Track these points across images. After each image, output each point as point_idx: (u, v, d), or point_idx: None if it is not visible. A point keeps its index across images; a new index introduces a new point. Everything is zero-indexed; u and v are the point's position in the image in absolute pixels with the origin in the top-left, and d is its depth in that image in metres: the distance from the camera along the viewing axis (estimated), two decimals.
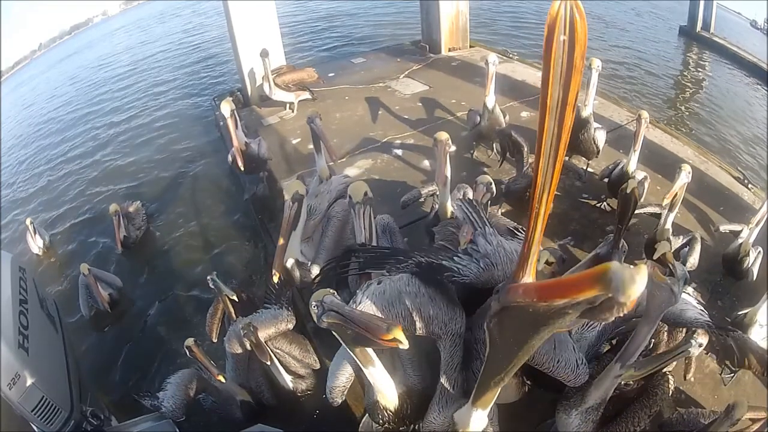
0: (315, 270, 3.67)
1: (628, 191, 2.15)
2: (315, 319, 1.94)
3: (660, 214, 4.16)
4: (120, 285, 5.17)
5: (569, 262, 4.45)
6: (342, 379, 2.73)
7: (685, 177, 3.81)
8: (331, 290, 2.09)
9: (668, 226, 3.96)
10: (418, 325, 2.35)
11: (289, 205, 3.36)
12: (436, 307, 2.37)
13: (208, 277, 3.90)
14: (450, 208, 3.88)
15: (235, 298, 3.91)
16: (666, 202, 3.92)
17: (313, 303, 1.96)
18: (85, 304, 4.92)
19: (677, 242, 4.02)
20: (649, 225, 4.49)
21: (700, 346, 2.57)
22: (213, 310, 4.09)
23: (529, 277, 1.52)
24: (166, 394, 3.37)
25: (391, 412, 2.45)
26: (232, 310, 3.94)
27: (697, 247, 4.03)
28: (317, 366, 3.59)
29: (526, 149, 4.95)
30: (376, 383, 2.34)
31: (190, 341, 3.23)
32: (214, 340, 4.09)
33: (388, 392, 2.39)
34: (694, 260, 4.04)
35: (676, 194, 3.84)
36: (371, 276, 2.78)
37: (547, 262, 2.76)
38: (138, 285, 5.53)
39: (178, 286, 5.40)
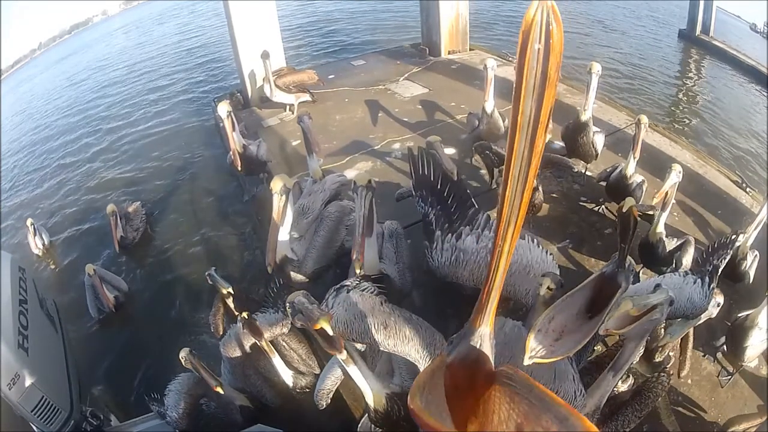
0: (306, 268, 3.73)
1: (625, 210, 2.07)
2: (291, 319, 1.96)
3: (653, 215, 4.18)
4: (125, 288, 5.17)
5: (569, 268, 4.50)
6: (328, 383, 2.77)
7: (675, 177, 3.82)
8: (303, 291, 2.18)
9: (660, 228, 3.96)
10: (391, 342, 2.35)
11: (278, 197, 3.40)
12: (413, 330, 2.37)
13: (207, 273, 3.90)
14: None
15: (231, 290, 3.90)
16: (656, 201, 3.93)
17: (287, 304, 2.00)
18: (92, 304, 4.92)
19: (671, 244, 4.01)
20: (644, 227, 4.51)
21: (718, 305, 2.64)
22: (215, 310, 4.08)
23: (486, 327, 1.43)
24: (169, 403, 3.37)
25: (381, 413, 2.47)
26: (231, 306, 3.93)
27: (691, 250, 3.99)
28: (317, 370, 3.60)
29: None
30: (357, 383, 2.37)
31: (185, 352, 3.20)
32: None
33: (368, 393, 2.41)
34: (687, 262, 4.00)
35: (666, 193, 3.85)
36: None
37: (548, 288, 2.66)
38: (137, 285, 5.53)
39: (177, 286, 5.42)
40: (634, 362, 2.56)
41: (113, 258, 5.90)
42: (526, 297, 2.84)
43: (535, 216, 4.60)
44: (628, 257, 2.14)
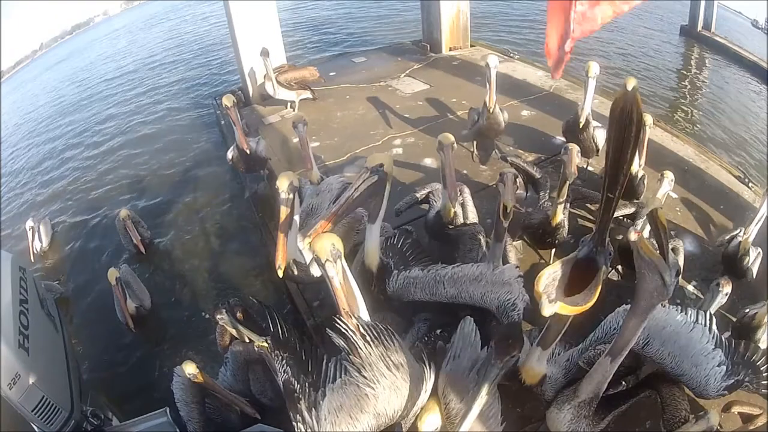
0: (314, 269, 3.64)
1: (622, 105, 1.73)
2: None
3: (636, 213, 4.10)
4: (148, 304, 4.89)
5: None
6: None
7: (667, 185, 3.77)
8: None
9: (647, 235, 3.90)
10: (387, 419, 2.34)
11: (286, 196, 3.23)
12: (396, 386, 2.33)
13: (218, 317, 3.63)
14: (452, 208, 3.87)
15: (266, 343, 3.68)
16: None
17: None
18: (119, 310, 4.68)
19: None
20: (626, 227, 4.36)
21: (726, 294, 2.64)
22: (221, 339, 3.89)
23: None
24: (178, 403, 3.34)
25: None
26: (246, 339, 3.75)
27: (681, 261, 3.90)
28: None
29: (541, 182, 4.47)
30: None
31: (192, 368, 3.11)
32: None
33: None
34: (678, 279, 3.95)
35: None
36: None
37: None
38: None
39: (176, 287, 5.41)
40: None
41: (117, 259, 5.87)
42: (498, 308, 3.02)
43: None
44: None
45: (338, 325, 2.27)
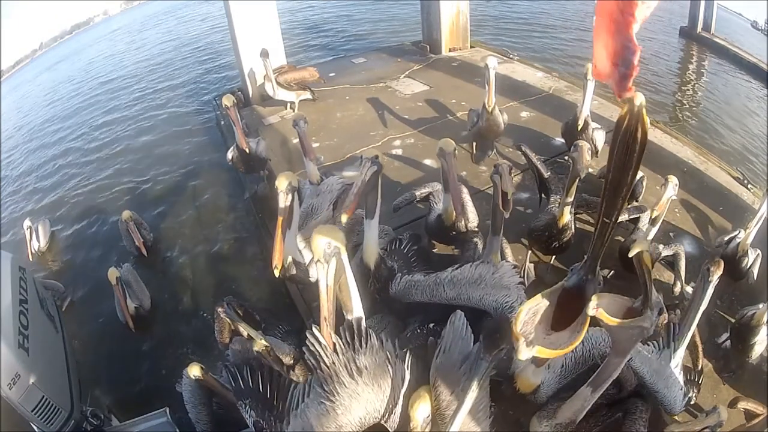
0: (312, 269, 3.64)
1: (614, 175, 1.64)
2: None
3: (638, 218, 4.04)
4: (148, 305, 4.91)
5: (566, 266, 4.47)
6: None
7: (671, 190, 3.75)
8: None
9: (649, 239, 3.85)
10: (354, 422, 2.37)
11: (285, 196, 3.25)
12: (370, 386, 2.39)
13: (219, 309, 3.63)
14: (455, 213, 3.85)
15: (265, 343, 3.75)
16: (656, 214, 3.84)
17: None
18: (120, 309, 4.69)
19: (656, 252, 3.88)
20: (627, 229, 4.32)
21: (718, 279, 2.67)
22: (220, 335, 3.81)
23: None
24: (186, 405, 3.33)
25: None
26: (245, 334, 3.78)
27: (683, 265, 3.90)
28: None
29: (550, 183, 4.31)
30: None
31: (197, 370, 3.11)
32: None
33: None
34: (680, 282, 3.90)
35: (662, 207, 3.79)
36: None
37: None
38: None
39: (178, 287, 5.40)
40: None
41: (116, 261, 5.86)
42: (496, 310, 3.04)
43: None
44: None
45: (308, 340, 2.32)
